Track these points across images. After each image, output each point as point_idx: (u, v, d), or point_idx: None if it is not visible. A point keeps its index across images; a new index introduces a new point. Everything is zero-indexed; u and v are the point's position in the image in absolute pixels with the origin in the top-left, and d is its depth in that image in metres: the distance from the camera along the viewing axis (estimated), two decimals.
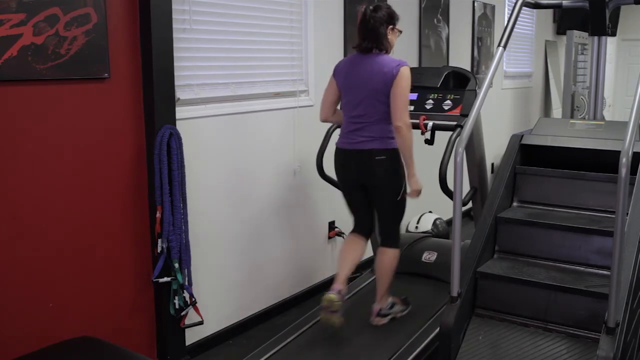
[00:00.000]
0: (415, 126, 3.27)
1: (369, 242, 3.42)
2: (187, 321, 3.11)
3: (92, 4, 2.62)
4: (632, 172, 2.54)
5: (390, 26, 3.01)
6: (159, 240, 2.92)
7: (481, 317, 2.89)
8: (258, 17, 3.54)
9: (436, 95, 3.41)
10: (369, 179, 3.07)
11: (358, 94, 3.00)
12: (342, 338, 3.09)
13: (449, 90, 3.46)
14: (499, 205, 3.13)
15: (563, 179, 3.18)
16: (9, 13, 2.35)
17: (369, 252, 4.20)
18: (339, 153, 3.12)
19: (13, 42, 2.38)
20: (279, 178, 3.78)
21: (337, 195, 3.48)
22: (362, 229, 3.28)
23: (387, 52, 3.03)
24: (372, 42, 2.98)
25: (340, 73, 3.09)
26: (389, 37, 3.01)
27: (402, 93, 2.93)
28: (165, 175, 2.89)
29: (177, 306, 3.01)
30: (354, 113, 3.03)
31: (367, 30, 2.98)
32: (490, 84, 2.94)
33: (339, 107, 3.20)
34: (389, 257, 3.18)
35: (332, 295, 2.97)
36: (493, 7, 6.37)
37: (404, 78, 2.92)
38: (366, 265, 4.27)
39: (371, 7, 3.01)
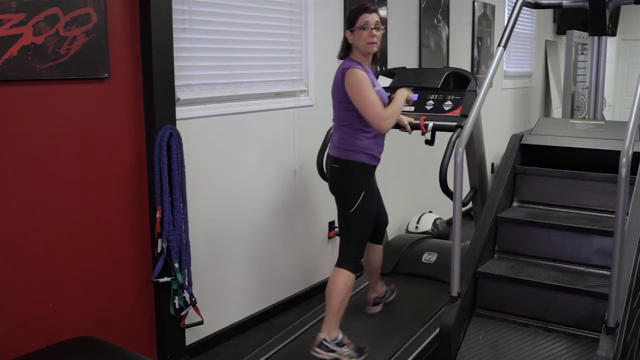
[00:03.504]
0: (415, 127, 3.27)
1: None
2: (187, 321, 3.11)
3: (92, 4, 2.62)
4: (632, 172, 2.54)
5: (348, 31, 2.88)
6: (159, 240, 2.92)
7: (481, 317, 2.89)
8: (258, 17, 3.54)
9: (437, 96, 3.41)
10: (330, 185, 3.06)
11: (332, 100, 3.00)
12: None
13: (449, 91, 3.45)
14: (499, 205, 3.13)
15: (563, 179, 3.18)
16: (9, 13, 2.35)
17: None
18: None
19: (13, 42, 2.38)
20: (279, 178, 3.78)
21: None
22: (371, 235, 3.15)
23: (354, 56, 2.91)
24: (340, 50, 2.98)
25: None
26: (349, 41, 2.89)
27: (358, 96, 2.78)
28: (165, 175, 2.89)
29: (177, 306, 3.01)
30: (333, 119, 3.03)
31: None
32: (490, 84, 2.93)
33: None
34: (340, 279, 2.88)
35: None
36: (493, 7, 6.37)
37: (352, 80, 2.78)
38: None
39: None
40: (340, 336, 2.89)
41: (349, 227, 2.94)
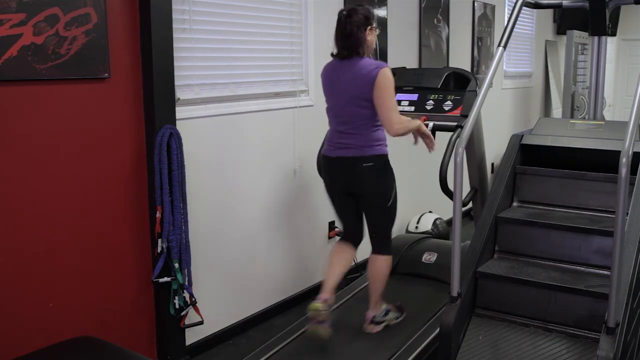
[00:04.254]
0: None
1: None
2: (187, 321, 3.11)
3: (92, 4, 2.62)
4: (632, 172, 2.54)
5: (368, 27, 2.91)
6: (159, 240, 2.92)
7: (481, 317, 2.90)
8: (258, 17, 3.54)
9: (437, 96, 3.41)
10: (357, 187, 3.00)
11: (339, 100, 2.94)
12: (342, 339, 3.09)
13: (449, 91, 3.46)
14: (499, 205, 3.13)
15: (563, 179, 3.18)
16: (9, 13, 2.35)
17: (366, 253, 4.21)
18: (325, 160, 3.06)
19: (13, 42, 2.38)
20: (279, 178, 3.78)
21: None
22: (351, 238, 3.20)
23: (365, 55, 2.93)
24: (351, 48, 2.90)
25: (324, 79, 3.03)
26: (368, 38, 2.91)
27: (385, 96, 2.83)
28: (165, 175, 2.89)
29: (177, 306, 3.01)
30: (338, 120, 2.97)
31: (344, 37, 2.90)
32: (490, 84, 2.94)
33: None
34: (381, 264, 3.11)
35: (317, 304, 2.89)
36: (493, 7, 6.37)
37: (385, 80, 2.82)
38: (365, 265, 4.27)
39: (345, 11, 2.94)
40: (385, 306, 3.20)
41: (387, 218, 3.09)
